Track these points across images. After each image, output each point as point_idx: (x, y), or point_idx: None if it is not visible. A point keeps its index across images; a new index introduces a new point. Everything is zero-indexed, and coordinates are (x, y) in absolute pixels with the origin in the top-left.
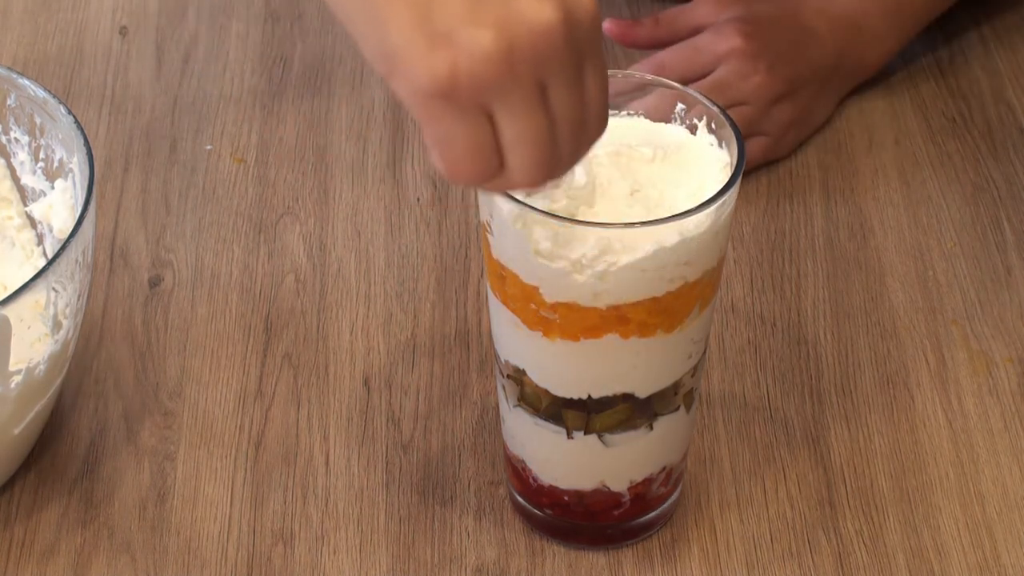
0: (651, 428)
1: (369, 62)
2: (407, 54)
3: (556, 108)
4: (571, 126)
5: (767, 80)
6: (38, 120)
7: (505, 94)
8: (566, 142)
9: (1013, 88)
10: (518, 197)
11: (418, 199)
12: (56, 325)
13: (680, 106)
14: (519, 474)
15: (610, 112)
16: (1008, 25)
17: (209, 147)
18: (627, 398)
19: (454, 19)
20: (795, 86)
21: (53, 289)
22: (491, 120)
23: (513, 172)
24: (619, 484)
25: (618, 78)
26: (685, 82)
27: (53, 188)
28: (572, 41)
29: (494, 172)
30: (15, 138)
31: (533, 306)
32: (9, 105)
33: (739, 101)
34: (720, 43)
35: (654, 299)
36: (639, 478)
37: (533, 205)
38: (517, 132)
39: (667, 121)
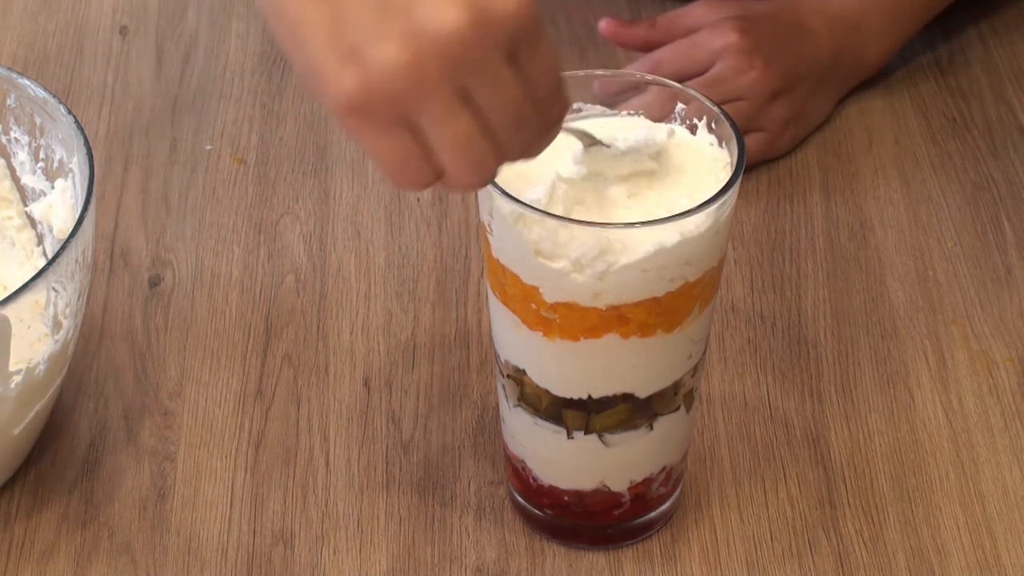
0: (651, 428)
1: (301, 82)
2: (323, 72)
3: (484, 108)
4: (508, 121)
5: (763, 75)
6: (38, 120)
7: (421, 104)
8: (508, 136)
9: (1013, 87)
10: (518, 197)
11: (418, 199)
12: (56, 325)
13: (680, 106)
14: (519, 474)
15: (610, 112)
16: (1008, 24)
17: (209, 147)
18: (627, 398)
19: (362, 34)
20: (791, 82)
21: (53, 289)
22: (417, 129)
23: (450, 176)
24: (619, 484)
25: (617, 77)
26: (682, 79)
27: (53, 188)
28: (488, 40)
29: (433, 176)
30: (15, 138)
31: (533, 306)
32: (9, 105)
33: (735, 97)
34: (716, 39)
35: (654, 299)
36: (639, 478)
37: (533, 205)
38: (441, 139)
39: (667, 120)
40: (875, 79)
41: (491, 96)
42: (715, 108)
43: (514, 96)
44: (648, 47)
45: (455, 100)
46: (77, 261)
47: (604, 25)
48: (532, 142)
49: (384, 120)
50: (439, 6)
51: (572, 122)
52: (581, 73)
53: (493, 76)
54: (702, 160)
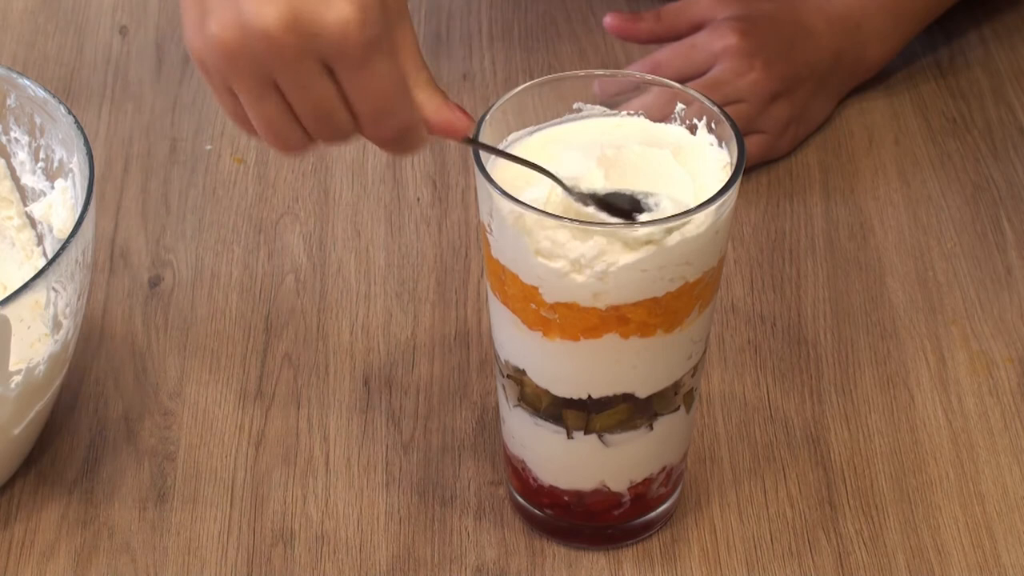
0: (651, 428)
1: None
2: (184, 21)
3: (289, 99)
4: (310, 117)
5: (763, 77)
6: (38, 120)
7: (232, 79)
8: (313, 127)
9: (1013, 88)
10: (519, 198)
11: (418, 199)
12: (56, 325)
13: (680, 106)
14: (519, 474)
15: (610, 112)
16: (1008, 25)
17: (209, 147)
18: (627, 398)
19: (212, 4)
20: (792, 84)
21: (53, 289)
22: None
23: (265, 141)
24: (619, 484)
25: (617, 77)
26: (682, 80)
27: (53, 188)
28: (296, 46)
29: (256, 134)
30: (15, 138)
31: (533, 306)
32: (9, 105)
33: (736, 99)
34: (716, 41)
35: (654, 299)
36: (639, 478)
37: (533, 205)
38: (249, 110)
39: (667, 121)
40: (875, 80)
41: (293, 92)
42: (715, 108)
43: (318, 100)
44: (655, 39)
45: (262, 85)
46: (77, 261)
47: (609, 21)
48: (333, 139)
49: (216, 79)
50: (262, 3)
51: (568, 132)
52: (582, 73)
53: (296, 77)
54: (702, 160)
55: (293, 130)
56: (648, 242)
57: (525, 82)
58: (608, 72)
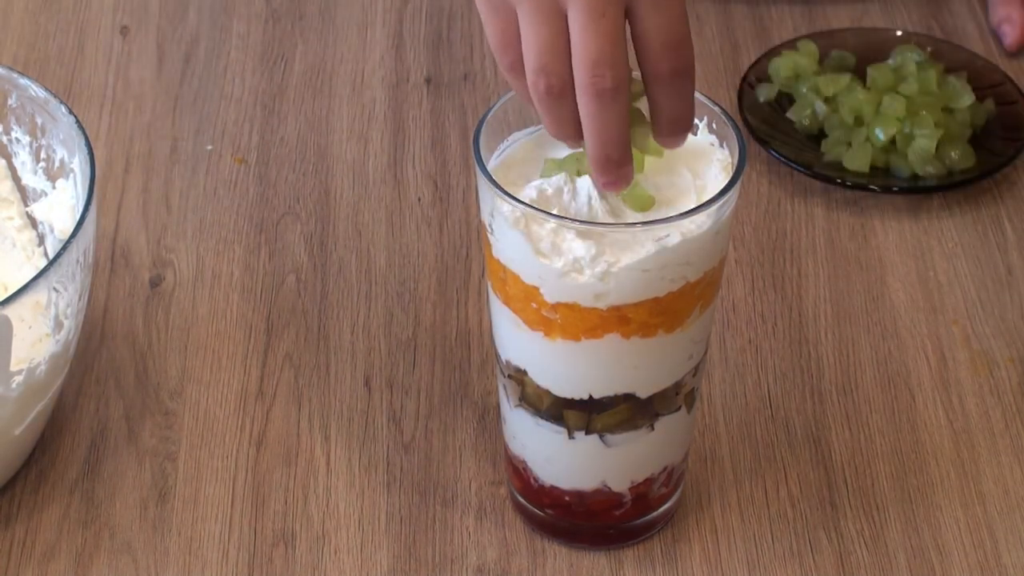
0: (652, 428)
1: None
2: None
3: (579, 27)
4: (595, 49)
5: None
6: (39, 120)
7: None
8: (588, 64)
9: None
10: (520, 198)
11: (419, 199)
12: (57, 325)
13: None
14: (520, 474)
15: None
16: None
17: (210, 147)
18: (628, 398)
19: None
20: None
21: (54, 289)
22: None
23: (527, 66)
24: (620, 484)
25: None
26: None
27: (54, 188)
28: None
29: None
30: (16, 138)
31: (534, 306)
32: (10, 105)
33: None
34: None
35: (655, 299)
36: (640, 478)
37: (534, 205)
38: (527, 31)
39: None
40: None
41: (585, 17)
42: (716, 108)
43: (609, 28)
44: None
45: (550, 6)
46: (78, 261)
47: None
48: (617, 87)
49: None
50: None
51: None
52: None
53: (594, 3)
54: (703, 160)
55: (562, 63)
56: (649, 242)
57: None
58: None
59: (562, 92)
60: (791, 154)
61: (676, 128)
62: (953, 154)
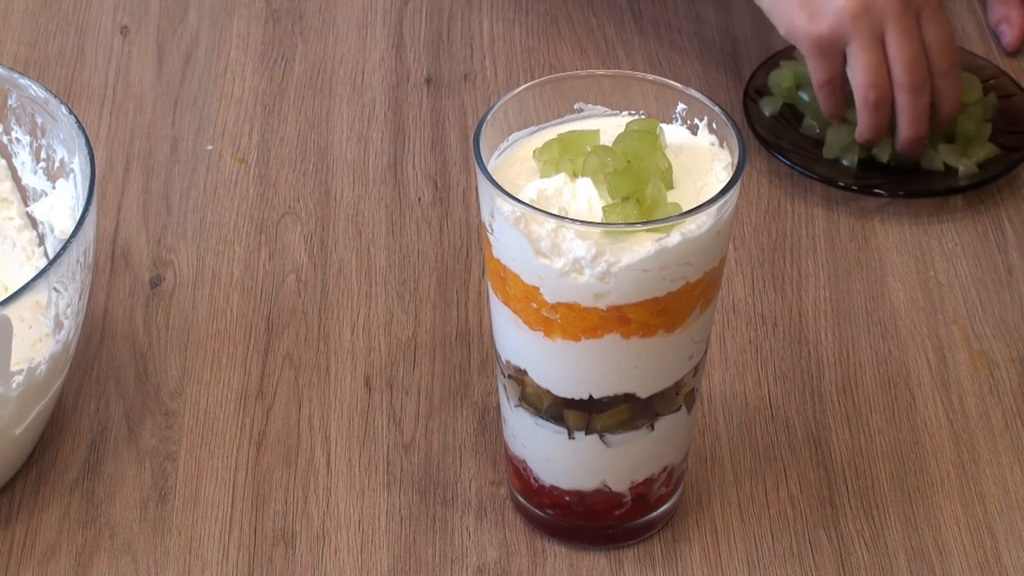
0: (652, 428)
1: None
2: (793, 15)
3: (895, 48)
4: (906, 63)
5: None
6: (39, 120)
7: (852, 35)
8: (905, 75)
9: None
10: (520, 198)
11: (419, 199)
12: (57, 325)
13: (681, 106)
14: (520, 474)
15: (610, 112)
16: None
17: (210, 147)
18: (628, 398)
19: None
20: None
21: (54, 289)
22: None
23: (861, 85)
24: (620, 484)
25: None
26: None
27: (54, 188)
28: (904, 2)
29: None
30: (16, 138)
31: (534, 306)
32: (10, 105)
33: None
34: None
35: (655, 299)
36: (640, 478)
37: (534, 205)
38: (858, 59)
39: (668, 121)
40: None
41: (899, 39)
42: (715, 108)
43: (915, 47)
44: None
45: (875, 37)
46: (78, 261)
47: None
48: (922, 93)
49: (829, 44)
50: None
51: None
52: (582, 73)
53: (903, 25)
54: (703, 160)
55: (886, 78)
56: (649, 242)
57: (526, 82)
58: (608, 72)
59: (885, 100)
60: (792, 155)
61: (954, 106)
62: (979, 151)
